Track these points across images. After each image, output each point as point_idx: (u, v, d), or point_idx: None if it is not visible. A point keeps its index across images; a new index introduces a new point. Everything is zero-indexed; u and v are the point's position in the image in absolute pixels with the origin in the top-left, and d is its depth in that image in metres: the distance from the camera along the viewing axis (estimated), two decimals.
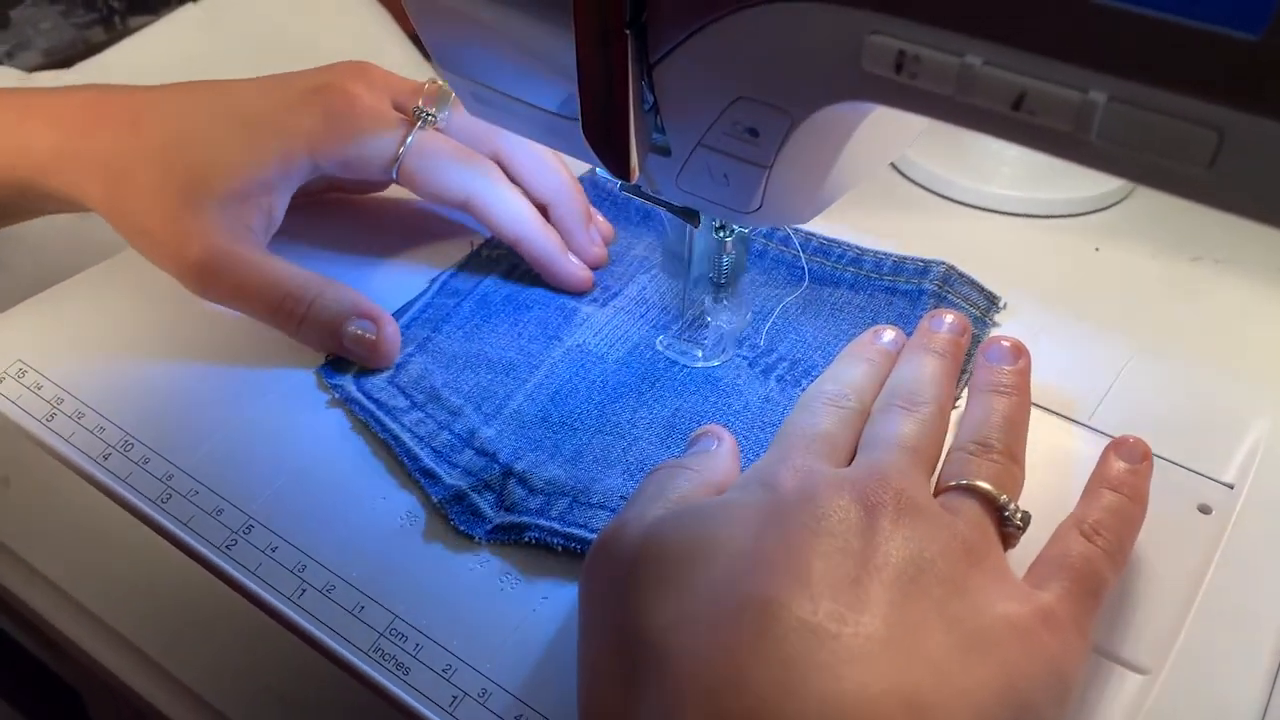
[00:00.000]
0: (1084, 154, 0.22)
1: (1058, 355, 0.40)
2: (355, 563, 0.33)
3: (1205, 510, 0.34)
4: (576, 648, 0.28)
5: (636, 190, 0.34)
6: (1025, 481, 0.31)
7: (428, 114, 0.43)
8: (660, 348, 0.41)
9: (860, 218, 0.47)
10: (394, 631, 0.31)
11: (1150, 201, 0.52)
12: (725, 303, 0.40)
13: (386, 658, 0.31)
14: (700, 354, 0.40)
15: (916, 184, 0.54)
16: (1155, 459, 0.36)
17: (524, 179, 0.44)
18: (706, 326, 0.41)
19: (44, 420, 0.38)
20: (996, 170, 0.52)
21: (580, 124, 0.30)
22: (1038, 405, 0.38)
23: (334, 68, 0.43)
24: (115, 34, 0.70)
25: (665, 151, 0.30)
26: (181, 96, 0.42)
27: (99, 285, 0.45)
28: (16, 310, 0.43)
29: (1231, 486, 0.35)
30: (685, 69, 0.27)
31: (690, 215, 0.35)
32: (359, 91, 0.42)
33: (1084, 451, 0.36)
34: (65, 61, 0.67)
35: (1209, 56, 0.19)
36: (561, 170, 0.45)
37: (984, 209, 0.52)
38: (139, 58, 0.67)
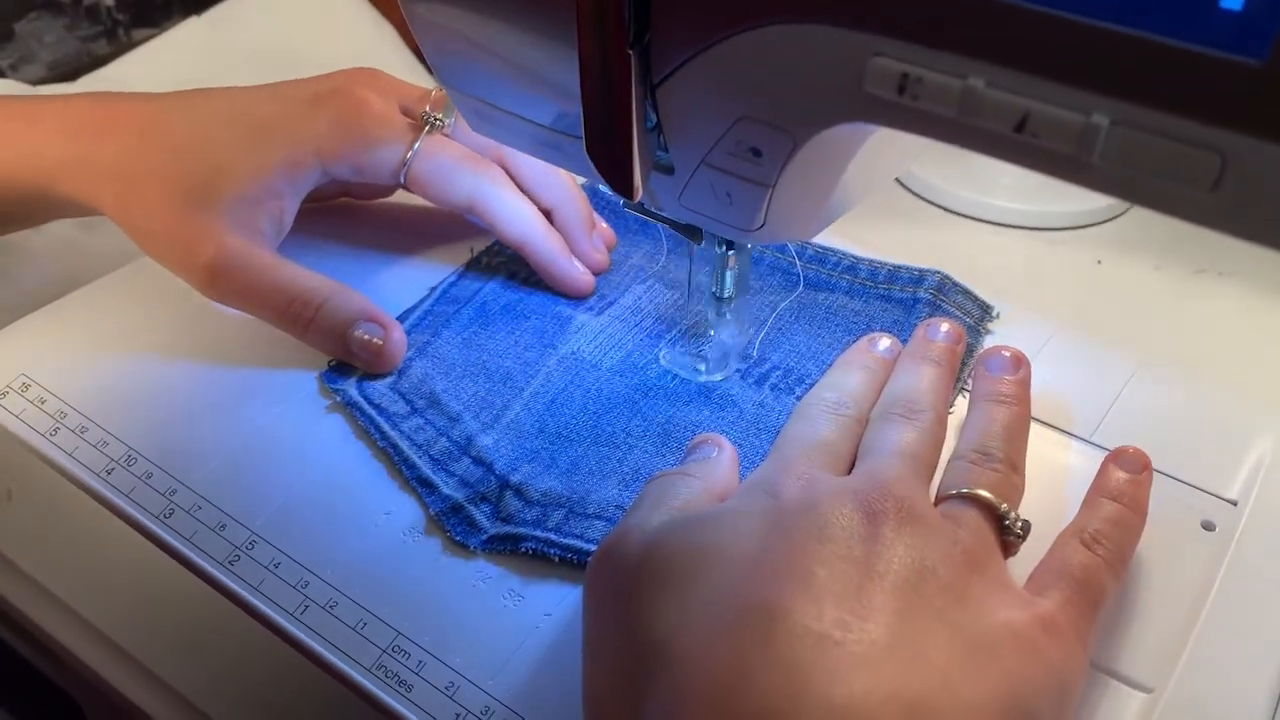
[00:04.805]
0: (1086, 176, 0.22)
1: (1060, 370, 0.40)
2: (358, 579, 0.33)
3: (1209, 527, 0.34)
4: (581, 657, 0.28)
5: (640, 208, 0.34)
6: (1026, 497, 0.31)
7: (435, 119, 0.43)
8: (663, 362, 0.41)
9: (862, 230, 0.47)
10: (397, 648, 0.31)
11: (1152, 215, 0.52)
12: (728, 317, 0.40)
13: (389, 675, 0.31)
14: (703, 368, 0.40)
15: (919, 196, 0.54)
16: (1158, 475, 0.36)
17: (529, 184, 0.45)
18: (709, 341, 0.41)
19: (47, 435, 0.38)
20: (998, 183, 0.52)
21: (583, 142, 0.30)
22: (1039, 421, 0.38)
23: (342, 74, 0.44)
24: (119, 47, 0.70)
25: (668, 170, 0.30)
26: (192, 103, 0.42)
27: (103, 299, 0.45)
28: (20, 324, 0.43)
29: (1235, 503, 0.35)
30: (689, 89, 0.27)
31: (693, 233, 0.35)
32: (368, 97, 0.42)
33: (1086, 468, 0.36)
34: (69, 75, 0.68)
35: (1213, 81, 0.19)
36: (565, 175, 0.45)
37: (986, 221, 0.52)
38: (143, 71, 0.67)
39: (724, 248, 0.37)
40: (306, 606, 0.33)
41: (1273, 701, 0.30)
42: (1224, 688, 0.30)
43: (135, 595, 0.39)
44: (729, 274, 0.38)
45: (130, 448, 0.38)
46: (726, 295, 0.38)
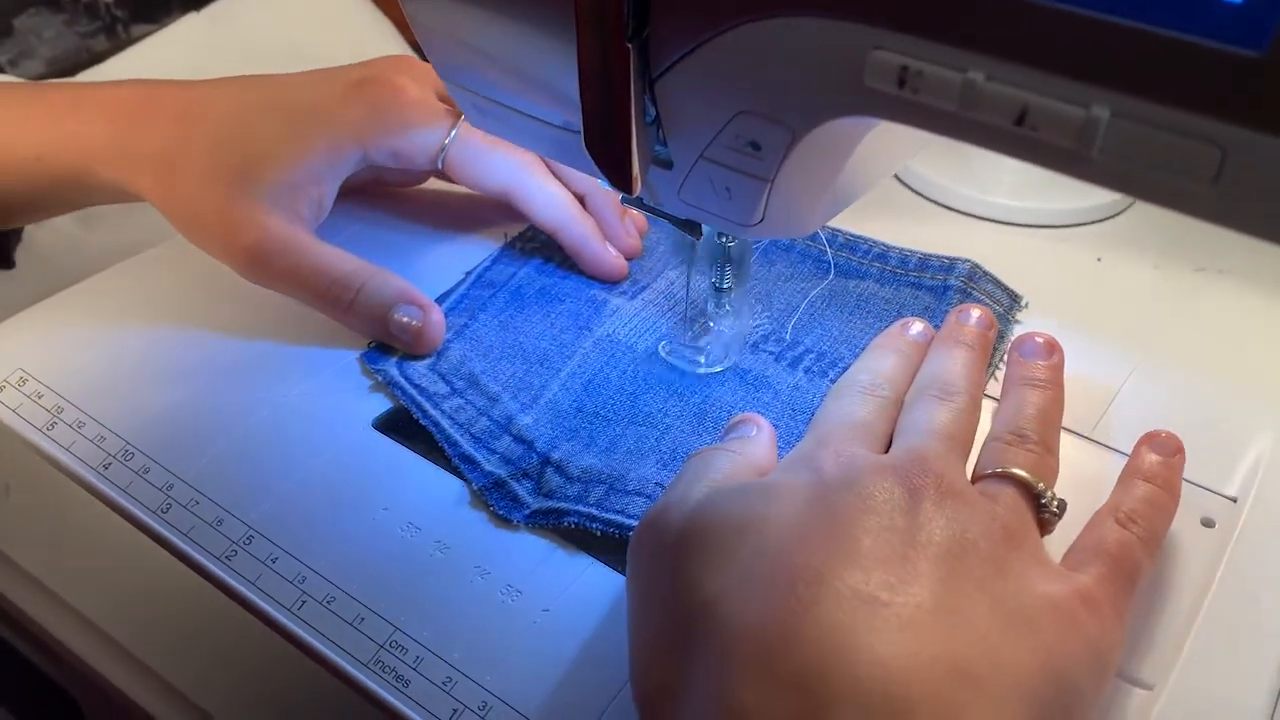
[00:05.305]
0: (1086, 170, 0.22)
1: None
2: (355, 574, 0.33)
3: (1208, 524, 0.34)
4: (627, 627, 0.28)
5: (639, 203, 0.34)
6: None
7: None
8: (663, 353, 0.41)
9: (862, 226, 0.47)
10: (394, 644, 0.31)
11: (1152, 212, 0.52)
12: (728, 308, 0.40)
13: (386, 670, 0.31)
14: (703, 359, 0.40)
15: (918, 193, 0.54)
16: None
17: (562, 169, 0.46)
18: (709, 332, 0.41)
19: (44, 429, 0.38)
20: (998, 180, 0.52)
21: (582, 137, 0.30)
22: None
23: (379, 61, 0.44)
24: (118, 43, 0.70)
25: (667, 164, 0.30)
26: (232, 89, 0.43)
27: (101, 294, 0.45)
28: (18, 318, 0.43)
29: (1235, 500, 0.35)
30: (688, 83, 0.27)
31: (692, 228, 0.35)
32: (405, 84, 0.43)
33: (1087, 464, 0.36)
34: (68, 70, 0.67)
35: (1213, 73, 0.19)
36: None
37: (985, 219, 0.52)
38: (142, 67, 0.67)
39: (724, 238, 0.37)
40: (304, 601, 0.33)
41: (1272, 698, 0.29)
42: (1224, 684, 0.30)
43: (132, 590, 0.39)
44: (728, 266, 0.38)
45: (127, 442, 0.38)
46: (726, 286, 0.38)
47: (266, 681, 0.36)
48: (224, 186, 0.40)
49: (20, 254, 0.53)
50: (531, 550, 0.34)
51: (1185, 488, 0.35)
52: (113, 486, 0.36)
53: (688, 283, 0.40)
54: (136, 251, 0.47)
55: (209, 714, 0.36)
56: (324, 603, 0.32)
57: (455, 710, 0.30)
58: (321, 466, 0.37)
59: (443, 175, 0.46)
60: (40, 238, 0.51)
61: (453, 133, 0.43)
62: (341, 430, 0.38)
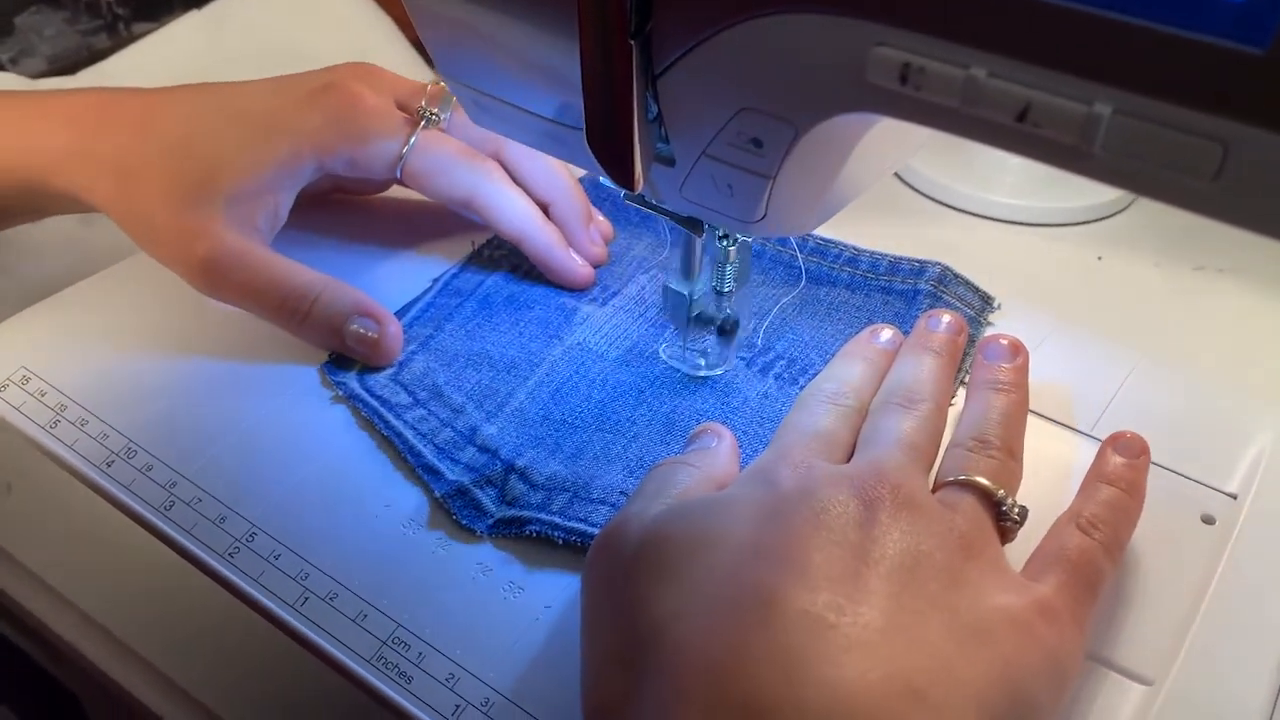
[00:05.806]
0: (1088, 166, 0.22)
1: (1060, 365, 0.40)
2: (358, 570, 0.33)
3: (1209, 520, 0.34)
4: (580, 643, 0.28)
5: (641, 200, 0.34)
6: (1027, 492, 0.31)
7: (431, 114, 0.44)
8: (664, 356, 0.41)
9: (862, 225, 0.47)
10: (397, 640, 0.31)
11: (1153, 210, 0.52)
12: (728, 310, 0.40)
13: (389, 666, 0.31)
14: (703, 362, 0.40)
15: (919, 191, 0.54)
16: (1159, 469, 0.36)
17: (525, 178, 0.45)
18: (709, 335, 0.41)
19: (47, 427, 0.38)
20: (999, 178, 0.52)
21: (584, 133, 0.30)
22: (1041, 415, 0.38)
23: (338, 68, 0.44)
24: (119, 40, 0.70)
25: (669, 161, 0.30)
26: (190, 97, 0.42)
27: (103, 292, 0.45)
28: (20, 317, 0.43)
29: (1235, 497, 0.35)
30: (690, 80, 0.27)
31: (694, 225, 0.35)
32: (363, 91, 0.43)
33: (1087, 462, 0.36)
34: (69, 69, 0.67)
35: (1215, 70, 0.19)
36: (562, 170, 0.45)
37: (986, 217, 0.52)
38: (143, 65, 0.67)
39: (724, 241, 0.37)
40: (306, 598, 0.33)
41: (1273, 694, 0.30)
42: (1224, 680, 0.30)
43: (135, 588, 0.39)
44: (728, 268, 0.38)
45: (130, 440, 0.38)
46: (726, 290, 0.38)
47: (269, 678, 0.36)
48: (179, 197, 0.40)
49: (19, 251, 0.53)
50: (532, 548, 0.34)
51: (1186, 484, 0.35)
52: (115, 484, 0.36)
53: (690, 286, 0.40)
54: (138, 250, 0.47)
55: (212, 711, 0.36)
56: (326, 599, 0.33)
57: (458, 706, 0.30)
58: (324, 464, 0.37)
59: (403, 184, 0.45)
60: (40, 236, 0.51)
61: (411, 141, 0.43)
62: (343, 427, 0.38)
